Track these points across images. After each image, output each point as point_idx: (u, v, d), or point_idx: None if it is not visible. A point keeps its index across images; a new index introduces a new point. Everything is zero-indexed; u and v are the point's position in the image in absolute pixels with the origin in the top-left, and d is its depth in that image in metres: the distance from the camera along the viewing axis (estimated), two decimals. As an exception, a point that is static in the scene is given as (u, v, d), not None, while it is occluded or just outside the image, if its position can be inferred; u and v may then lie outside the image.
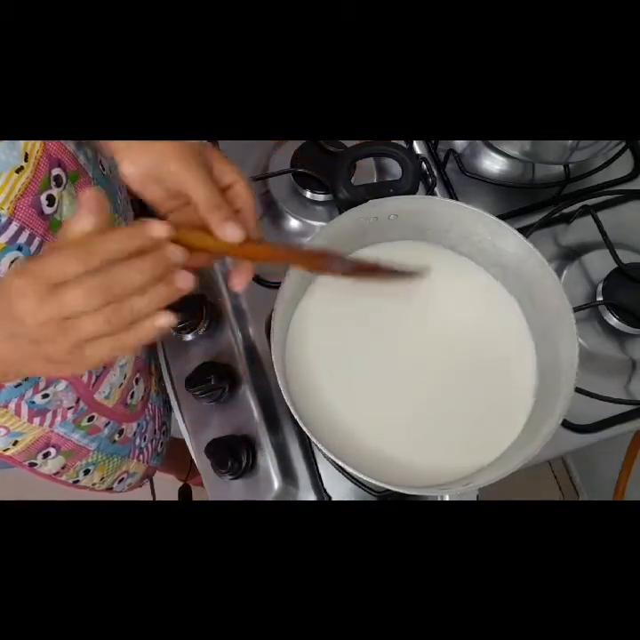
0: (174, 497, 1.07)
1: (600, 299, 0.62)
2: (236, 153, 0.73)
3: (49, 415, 0.54)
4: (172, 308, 0.63)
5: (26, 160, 0.39)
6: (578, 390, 0.56)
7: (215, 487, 0.60)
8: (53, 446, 0.56)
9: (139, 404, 0.69)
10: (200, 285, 0.67)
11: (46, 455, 0.57)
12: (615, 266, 0.62)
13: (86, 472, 0.65)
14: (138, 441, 0.71)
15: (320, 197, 0.68)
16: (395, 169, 0.68)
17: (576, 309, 0.50)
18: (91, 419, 0.59)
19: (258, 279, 0.67)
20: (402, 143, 0.69)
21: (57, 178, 0.43)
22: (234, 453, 0.57)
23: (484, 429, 0.51)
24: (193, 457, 0.62)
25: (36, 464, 0.56)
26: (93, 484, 0.69)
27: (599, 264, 0.64)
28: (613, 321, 0.61)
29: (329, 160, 0.68)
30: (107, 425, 0.62)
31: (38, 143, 0.41)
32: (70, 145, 0.45)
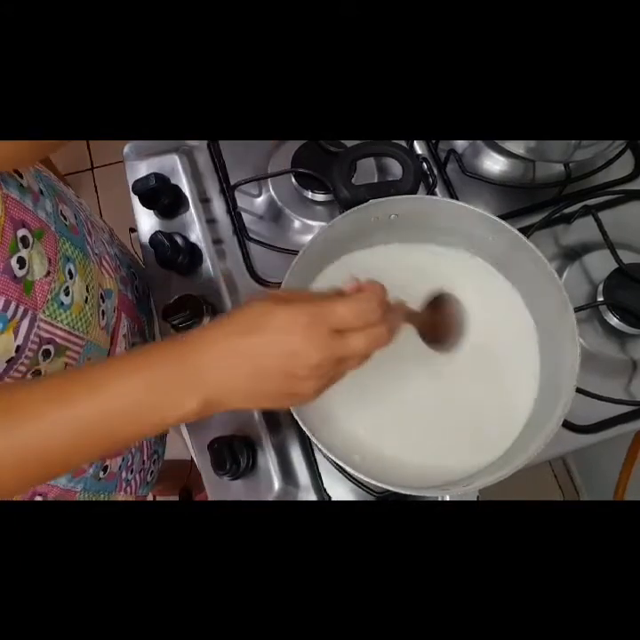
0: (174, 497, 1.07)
1: (601, 299, 0.62)
2: (235, 153, 0.73)
3: None
4: (172, 307, 0.63)
5: None
6: (578, 390, 0.56)
7: (215, 487, 0.60)
8: (40, 495, 0.53)
9: None
10: (200, 285, 0.67)
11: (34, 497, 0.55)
12: (616, 266, 0.62)
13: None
14: (124, 474, 0.68)
15: (320, 197, 0.68)
16: (395, 169, 0.69)
17: (577, 309, 0.50)
18: None
19: (258, 279, 0.67)
20: (402, 143, 0.70)
21: (23, 239, 0.42)
22: (233, 454, 0.57)
23: (484, 430, 0.51)
24: (193, 457, 0.62)
25: None
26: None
27: (600, 264, 0.64)
28: (614, 321, 0.61)
29: (329, 160, 0.68)
30: (91, 464, 0.60)
31: (0, 207, 0.41)
32: (29, 203, 0.45)
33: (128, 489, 0.71)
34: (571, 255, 0.67)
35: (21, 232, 0.42)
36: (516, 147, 0.67)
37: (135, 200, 0.69)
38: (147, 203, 0.69)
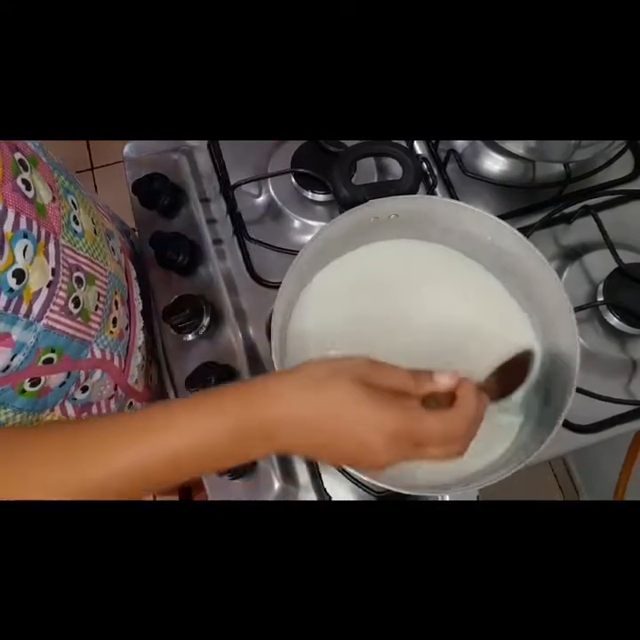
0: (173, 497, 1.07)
1: (601, 299, 0.62)
2: (236, 153, 0.73)
3: (94, 409, 0.54)
4: (172, 307, 0.63)
5: None
6: (578, 390, 0.56)
7: (215, 487, 0.60)
8: None
9: (157, 386, 0.70)
10: (200, 285, 0.67)
11: None
12: (616, 266, 0.62)
13: None
14: None
15: (320, 197, 0.68)
16: (395, 169, 0.69)
17: (577, 309, 0.50)
18: (130, 405, 0.59)
19: (258, 279, 0.67)
20: (402, 143, 0.70)
21: (21, 162, 0.42)
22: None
23: (484, 429, 0.51)
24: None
25: None
26: None
27: (600, 264, 0.64)
28: (614, 321, 0.61)
29: (329, 160, 0.68)
30: None
31: (14, 140, 0.41)
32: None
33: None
34: (571, 255, 0.67)
35: (18, 155, 0.42)
36: (516, 147, 0.67)
37: (135, 200, 0.69)
38: (147, 203, 0.69)
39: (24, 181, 0.42)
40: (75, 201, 0.51)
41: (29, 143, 0.46)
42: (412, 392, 0.39)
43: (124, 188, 0.70)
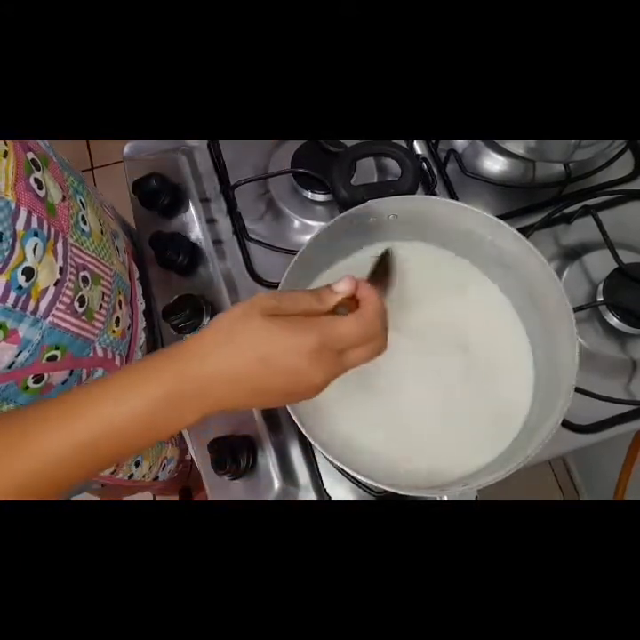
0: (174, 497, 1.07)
1: (600, 299, 0.62)
2: (236, 153, 0.73)
3: None
4: (172, 307, 0.63)
5: (6, 144, 0.39)
6: (578, 390, 0.56)
7: (215, 487, 0.60)
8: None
9: None
10: (200, 285, 0.67)
11: None
12: (616, 266, 0.62)
13: (137, 464, 0.66)
14: None
15: (320, 197, 0.68)
16: (395, 169, 0.68)
17: (576, 309, 0.50)
18: None
19: (258, 279, 0.67)
20: (402, 143, 0.70)
21: (33, 161, 0.43)
22: (233, 454, 0.57)
23: (483, 430, 0.51)
24: (193, 456, 0.62)
25: None
26: (144, 476, 0.70)
27: (600, 264, 0.64)
28: (614, 321, 0.61)
29: (329, 160, 0.68)
30: None
31: (14, 140, 0.41)
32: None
33: (173, 440, 0.77)
34: (571, 255, 0.67)
35: (30, 155, 0.43)
36: (516, 147, 0.67)
37: (135, 200, 0.69)
38: (147, 203, 0.69)
39: (36, 180, 0.42)
40: (83, 201, 0.51)
41: (41, 143, 0.46)
42: (319, 309, 0.40)
43: (124, 188, 0.70)
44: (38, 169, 0.43)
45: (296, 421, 0.45)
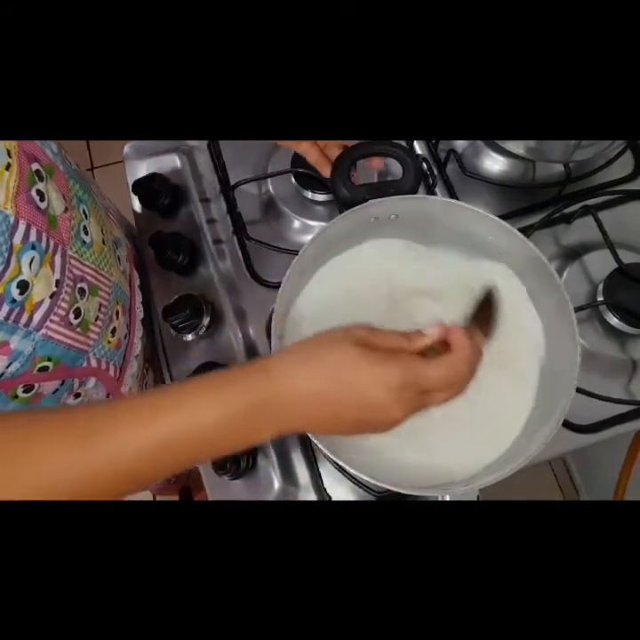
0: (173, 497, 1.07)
1: (601, 299, 0.62)
2: (236, 153, 0.73)
3: None
4: (172, 307, 0.63)
5: (9, 156, 0.39)
6: (578, 390, 0.56)
7: (215, 487, 0.60)
8: None
9: None
10: (200, 285, 0.67)
11: None
12: (616, 266, 0.62)
13: None
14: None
15: (320, 197, 0.68)
16: (395, 169, 0.68)
17: (577, 309, 0.50)
18: None
19: (258, 279, 0.67)
20: (402, 143, 0.69)
21: (37, 172, 0.43)
22: (233, 454, 0.57)
23: (484, 430, 0.51)
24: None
25: None
26: None
27: (600, 264, 0.64)
28: (614, 321, 0.61)
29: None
30: None
31: (14, 140, 0.41)
32: (36, 140, 0.45)
33: None
34: (571, 255, 0.67)
35: (34, 166, 0.43)
36: (516, 147, 0.67)
37: (135, 200, 0.69)
38: (147, 203, 0.69)
39: (38, 192, 0.42)
40: (86, 210, 0.51)
41: (48, 152, 0.46)
42: (407, 350, 0.40)
43: (124, 188, 0.70)
44: (42, 180, 0.43)
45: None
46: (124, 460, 0.35)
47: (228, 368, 0.38)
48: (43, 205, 0.43)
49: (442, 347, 0.40)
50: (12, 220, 0.39)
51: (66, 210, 0.46)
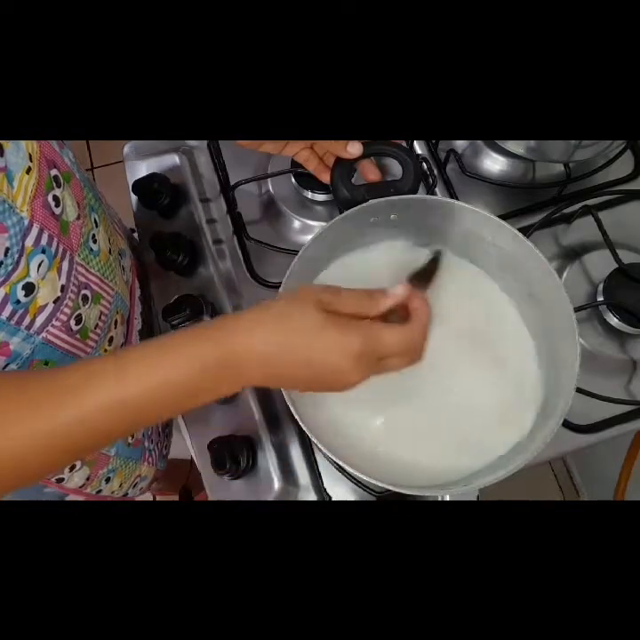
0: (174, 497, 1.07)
1: (601, 299, 0.62)
2: (236, 153, 0.73)
3: None
4: (172, 307, 0.63)
5: (31, 161, 0.40)
6: (578, 390, 0.56)
7: (215, 487, 0.60)
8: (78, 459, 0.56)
9: None
10: (200, 285, 0.67)
11: (72, 468, 0.56)
12: (616, 266, 0.62)
13: (107, 480, 0.65)
14: (146, 443, 0.72)
15: (320, 197, 0.68)
16: (395, 169, 0.68)
17: (577, 309, 0.50)
18: None
19: (258, 279, 0.67)
20: (402, 143, 0.69)
21: (56, 178, 0.43)
22: (233, 454, 0.57)
23: (484, 429, 0.51)
24: (193, 456, 0.62)
25: (63, 479, 0.56)
26: (113, 492, 0.69)
27: (600, 264, 0.64)
28: (614, 321, 0.61)
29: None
30: None
31: (36, 145, 0.41)
32: (56, 147, 0.46)
33: (150, 459, 0.75)
34: (571, 255, 0.67)
35: (53, 172, 0.43)
36: (516, 147, 0.67)
37: (135, 200, 0.69)
38: (147, 203, 0.69)
39: (54, 198, 0.43)
40: (97, 219, 0.52)
41: (66, 160, 0.47)
42: (371, 313, 0.41)
43: (124, 188, 0.70)
44: (59, 186, 0.44)
45: (294, 415, 0.45)
46: (93, 414, 0.36)
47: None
48: (57, 211, 0.43)
49: (402, 309, 0.42)
50: (26, 222, 0.39)
51: (78, 217, 0.47)
